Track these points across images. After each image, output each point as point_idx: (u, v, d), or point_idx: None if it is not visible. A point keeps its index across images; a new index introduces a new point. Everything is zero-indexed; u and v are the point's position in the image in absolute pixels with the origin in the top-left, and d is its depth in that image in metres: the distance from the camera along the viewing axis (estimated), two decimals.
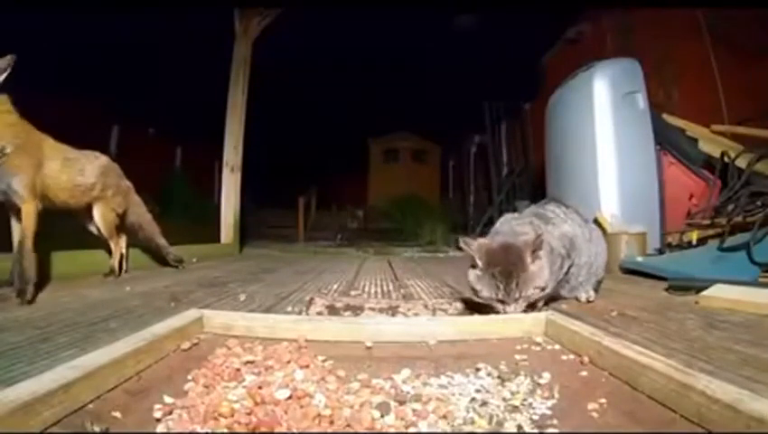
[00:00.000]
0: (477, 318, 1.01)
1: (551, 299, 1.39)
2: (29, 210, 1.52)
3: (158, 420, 0.52)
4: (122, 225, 2.20)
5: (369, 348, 0.85)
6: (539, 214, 1.37)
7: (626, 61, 2.92)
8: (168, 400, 0.56)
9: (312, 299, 1.50)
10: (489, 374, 0.69)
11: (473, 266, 1.18)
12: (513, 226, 1.31)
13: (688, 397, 0.53)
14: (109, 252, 2.12)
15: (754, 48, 3.12)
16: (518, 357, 0.78)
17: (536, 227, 1.28)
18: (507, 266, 1.11)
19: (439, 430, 0.50)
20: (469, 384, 0.65)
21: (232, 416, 0.50)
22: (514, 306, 1.12)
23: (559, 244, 1.30)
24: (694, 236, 2.45)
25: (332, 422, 0.51)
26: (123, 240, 2.21)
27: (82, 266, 2.11)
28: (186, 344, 0.82)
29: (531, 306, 1.16)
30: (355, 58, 7.27)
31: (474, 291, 1.17)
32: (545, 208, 1.41)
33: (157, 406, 0.54)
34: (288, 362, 0.72)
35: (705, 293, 1.42)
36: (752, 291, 1.37)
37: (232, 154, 4.05)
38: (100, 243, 2.15)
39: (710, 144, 2.88)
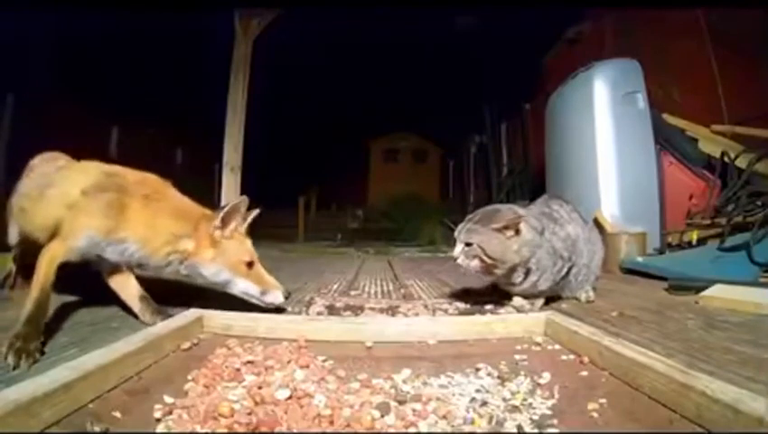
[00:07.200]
0: (477, 318, 1.01)
1: (551, 299, 1.40)
2: None
3: (158, 420, 0.52)
4: None
5: (369, 348, 0.85)
6: (546, 214, 1.38)
7: (626, 61, 2.91)
8: (168, 400, 0.56)
9: (312, 299, 1.50)
10: (489, 374, 0.69)
11: None
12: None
13: (688, 397, 0.53)
14: None
15: (754, 48, 3.12)
16: (518, 357, 0.78)
17: (545, 225, 1.29)
18: (476, 215, 1.25)
19: (439, 430, 0.50)
20: (469, 384, 0.65)
21: (232, 416, 0.50)
22: (461, 255, 1.23)
23: (563, 246, 1.31)
24: (694, 236, 2.45)
25: (332, 422, 0.51)
26: None
27: None
28: (186, 344, 0.82)
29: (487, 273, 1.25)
30: (355, 58, 7.27)
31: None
32: (550, 207, 1.41)
33: (157, 406, 0.54)
34: (288, 362, 0.72)
35: (705, 293, 1.42)
36: (752, 291, 1.37)
37: (232, 154, 4.04)
38: None
39: (710, 144, 2.88)
